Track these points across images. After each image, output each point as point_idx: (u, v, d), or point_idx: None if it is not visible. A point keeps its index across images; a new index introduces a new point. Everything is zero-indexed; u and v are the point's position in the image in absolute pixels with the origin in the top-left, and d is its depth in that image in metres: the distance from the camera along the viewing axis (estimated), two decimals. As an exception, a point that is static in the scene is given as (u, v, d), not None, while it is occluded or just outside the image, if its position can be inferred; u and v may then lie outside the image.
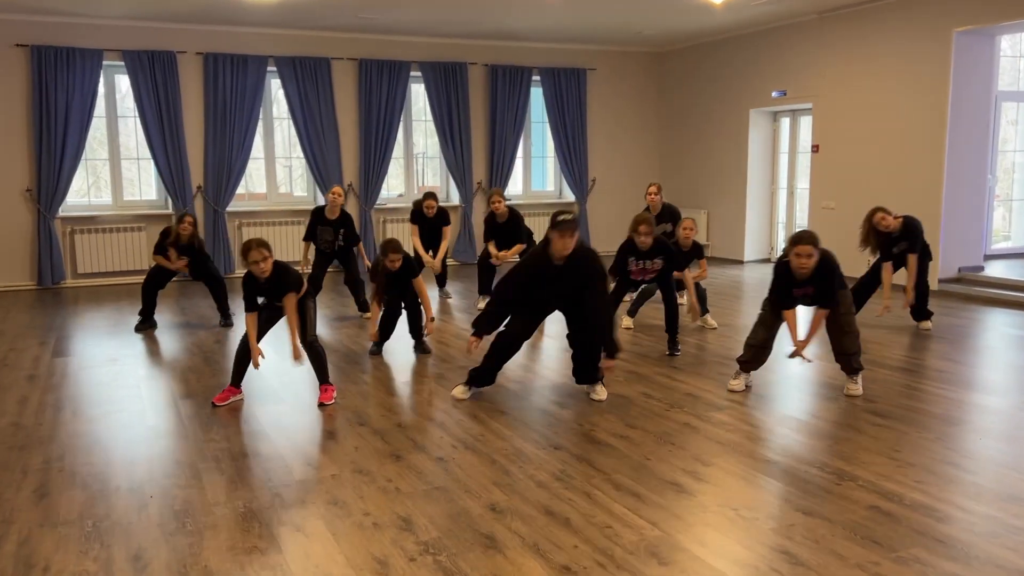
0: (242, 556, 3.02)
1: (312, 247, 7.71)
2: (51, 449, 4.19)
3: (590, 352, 4.92)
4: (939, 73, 8.61)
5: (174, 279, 7.65)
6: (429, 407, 4.88)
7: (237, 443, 4.24)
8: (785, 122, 11.31)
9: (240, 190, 10.65)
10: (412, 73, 11.22)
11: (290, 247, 10.32)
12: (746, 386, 5.10)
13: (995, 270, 9.20)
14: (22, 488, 3.69)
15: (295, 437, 4.33)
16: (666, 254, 6.08)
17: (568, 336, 5.05)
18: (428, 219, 8.18)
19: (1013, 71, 10.62)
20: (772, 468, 3.84)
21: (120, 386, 5.41)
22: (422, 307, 5.99)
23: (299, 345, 4.81)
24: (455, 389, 5.05)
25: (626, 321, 7.04)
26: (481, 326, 4.86)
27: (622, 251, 6.11)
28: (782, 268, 4.89)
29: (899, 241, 6.64)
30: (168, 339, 6.84)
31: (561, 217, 4.61)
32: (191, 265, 7.28)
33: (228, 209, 10.47)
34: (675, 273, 6.21)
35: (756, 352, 5.06)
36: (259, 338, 4.90)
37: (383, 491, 3.60)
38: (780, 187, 11.46)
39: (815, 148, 10.24)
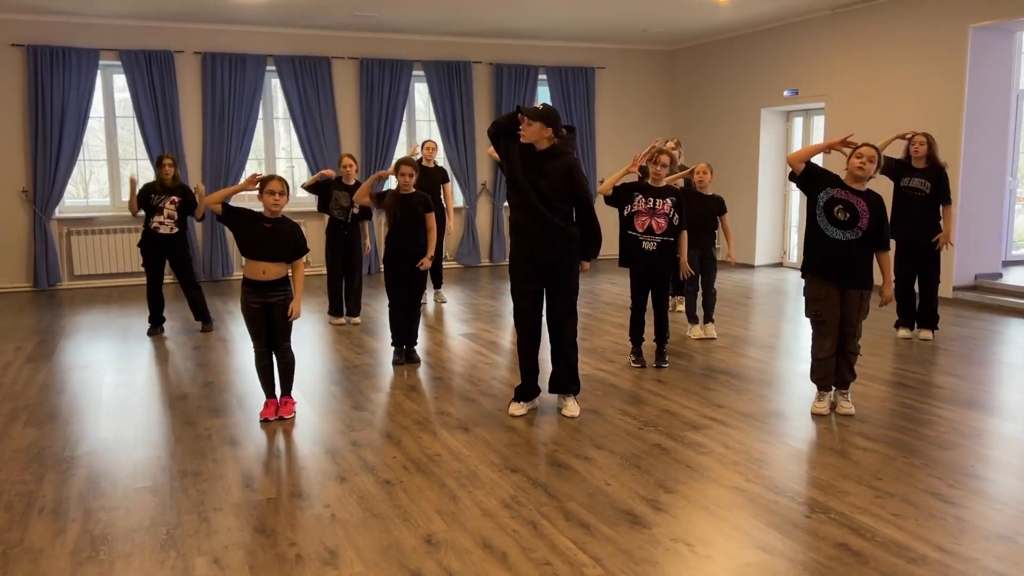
0: (147, 591, 2.82)
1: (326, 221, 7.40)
2: (-10, 464, 4.04)
3: (564, 343, 4.60)
4: (955, 70, 8.22)
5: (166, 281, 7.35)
6: (391, 423, 4.66)
7: (180, 460, 4.06)
8: (798, 122, 10.94)
9: (239, 191, 10.50)
10: (415, 72, 11.02)
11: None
12: (831, 406, 4.70)
13: (1015, 277, 8.77)
14: (-53, 507, 3.53)
15: (242, 454, 4.13)
16: (676, 196, 5.52)
17: (547, 320, 4.65)
18: (426, 173, 7.44)
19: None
20: (739, 497, 3.57)
21: (83, 395, 5.26)
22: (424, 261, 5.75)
23: (297, 308, 4.55)
24: (510, 406, 4.79)
25: (695, 331, 6.58)
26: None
27: (627, 186, 5.46)
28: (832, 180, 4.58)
29: None
30: (147, 345, 6.70)
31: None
32: (171, 247, 6.88)
33: (226, 210, 10.32)
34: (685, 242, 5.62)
35: (828, 364, 4.64)
36: (271, 343, 4.63)
37: (317, 519, 3.39)
38: (793, 189, 11.09)
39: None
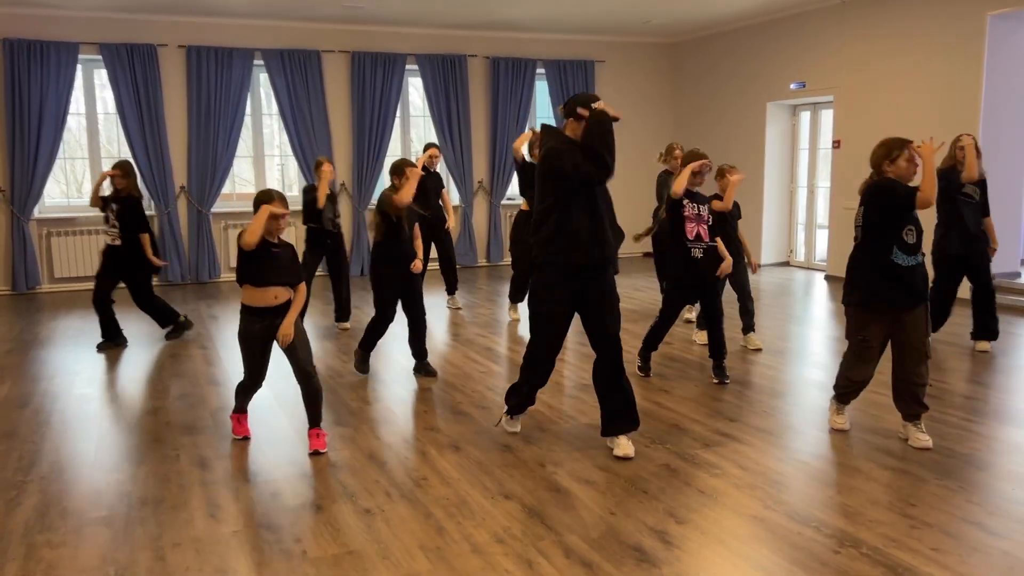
0: (83, 649, 2.46)
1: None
2: (-68, 491, 3.67)
3: (616, 375, 3.94)
4: (972, 61, 7.84)
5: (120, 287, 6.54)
6: (375, 441, 4.29)
7: (142, 485, 3.69)
8: (805, 116, 10.56)
9: (226, 190, 10.15)
10: (408, 66, 10.65)
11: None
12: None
13: (1034, 277, 8.40)
14: None
15: (211, 478, 3.77)
16: (709, 205, 5.26)
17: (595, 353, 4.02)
18: (427, 178, 6.95)
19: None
20: (758, 528, 3.20)
21: (45, 409, 4.89)
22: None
23: (289, 333, 3.93)
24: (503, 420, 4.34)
25: (753, 341, 6.06)
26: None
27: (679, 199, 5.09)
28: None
29: None
30: (120, 354, 6.33)
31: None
32: (118, 261, 6.30)
33: (213, 210, 9.96)
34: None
35: (863, 388, 4.23)
36: (262, 376, 4.18)
37: (285, 555, 3.02)
38: (800, 185, 10.72)
39: (836, 144, 9.50)
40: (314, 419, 4.09)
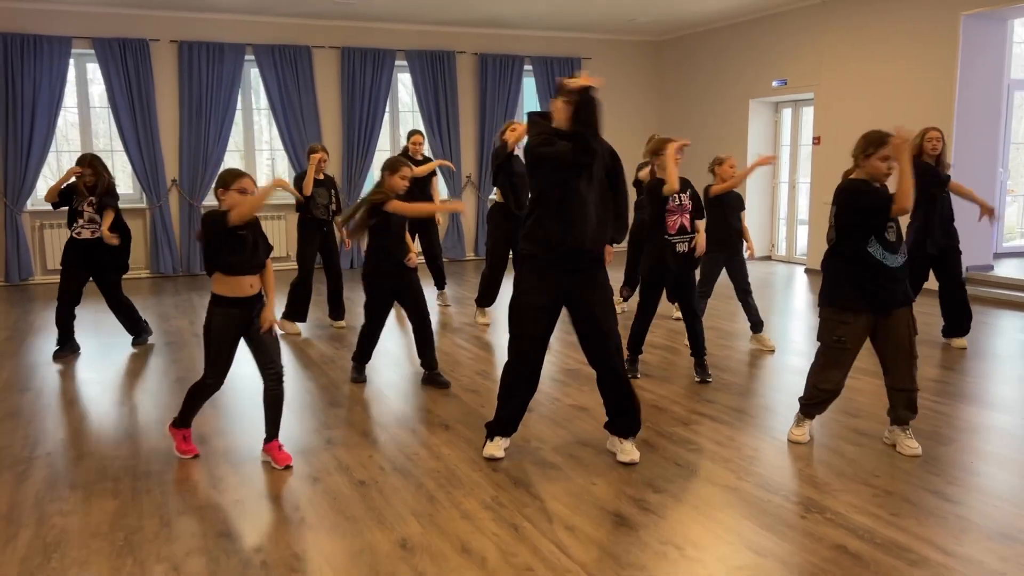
0: (99, 602, 2.63)
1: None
2: (-58, 466, 3.83)
3: (618, 372, 3.72)
4: (946, 59, 8.09)
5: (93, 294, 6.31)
6: (368, 420, 4.47)
7: (145, 460, 3.86)
8: (786, 113, 10.80)
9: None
10: (398, 62, 10.81)
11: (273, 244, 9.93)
12: (810, 435, 4.06)
13: (1006, 269, 8.67)
14: None
15: (211, 453, 3.93)
16: (692, 188, 5.09)
17: (587, 354, 3.79)
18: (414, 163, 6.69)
19: (1028, 58, 10.05)
20: (731, 496, 3.41)
21: (46, 392, 5.04)
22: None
23: (270, 317, 3.70)
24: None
25: (765, 342, 5.86)
26: None
27: (654, 188, 4.95)
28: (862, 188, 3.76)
29: None
30: (116, 341, 6.48)
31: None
32: (94, 256, 5.90)
33: (204, 203, 10.10)
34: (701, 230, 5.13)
35: (832, 398, 3.97)
36: (226, 371, 3.76)
37: (286, 522, 3.20)
38: (781, 181, 10.96)
39: (816, 140, 9.74)
40: (272, 429, 3.78)
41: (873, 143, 3.72)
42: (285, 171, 10.81)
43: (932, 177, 5.65)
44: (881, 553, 2.90)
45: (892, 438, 3.96)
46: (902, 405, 3.87)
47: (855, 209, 3.74)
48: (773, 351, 5.87)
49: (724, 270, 5.80)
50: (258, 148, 10.74)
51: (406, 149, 7.59)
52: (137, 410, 4.67)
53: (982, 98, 8.20)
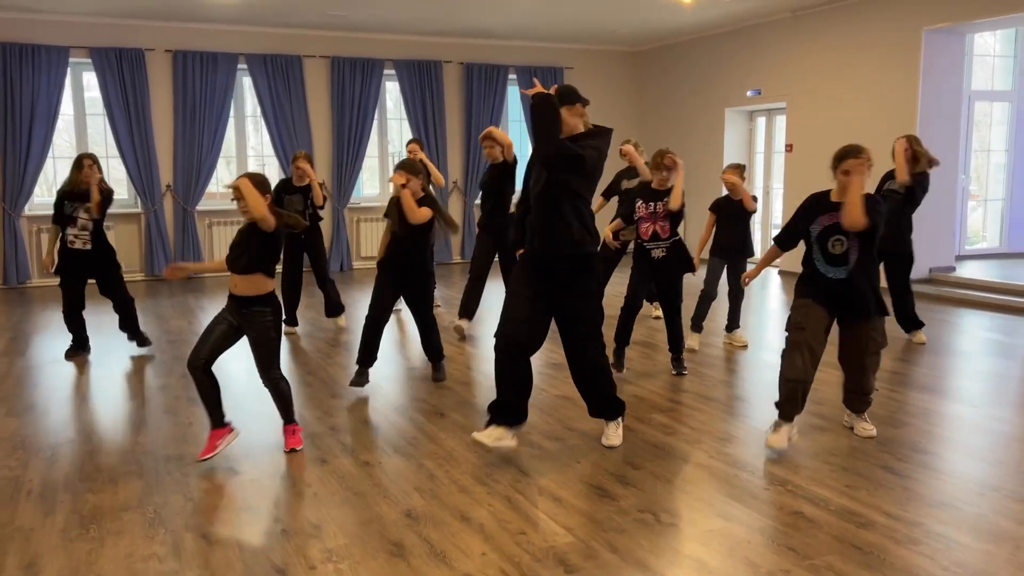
0: (138, 564, 2.94)
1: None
2: (-27, 452, 4.11)
3: (587, 357, 3.93)
4: (909, 72, 8.54)
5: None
6: (368, 409, 4.80)
7: (164, 446, 4.16)
8: (761, 121, 11.24)
9: (211, 188, 10.56)
10: (386, 71, 11.14)
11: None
12: (789, 439, 4.00)
13: (968, 271, 9.13)
14: (-66, 492, 3.61)
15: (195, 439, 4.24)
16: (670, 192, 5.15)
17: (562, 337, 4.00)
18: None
19: (987, 70, 10.55)
20: (702, 472, 3.77)
21: (59, 387, 5.33)
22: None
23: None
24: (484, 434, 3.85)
25: (691, 340, 5.98)
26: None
27: (629, 192, 5.16)
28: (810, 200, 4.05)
29: None
30: (121, 340, 6.75)
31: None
32: (88, 266, 5.92)
33: (198, 208, 10.37)
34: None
35: (798, 390, 3.95)
36: (211, 360, 3.89)
37: (300, 497, 3.53)
38: (756, 187, 11.37)
39: (789, 148, 10.17)
40: (285, 417, 4.05)
41: (836, 157, 3.95)
42: (276, 178, 11.09)
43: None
44: (835, 518, 3.26)
45: (850, 421, 4.29)
46: (853, 402, 4.20)
47: (798, 213, 4.09)
48: (745, 347, 6.22)
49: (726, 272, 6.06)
50: (250, 155, 11.02)
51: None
52: (150, 402, 4.96)
53: (944, 108, 8.65)
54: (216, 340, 3.89)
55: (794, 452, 3.99)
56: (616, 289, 7.65)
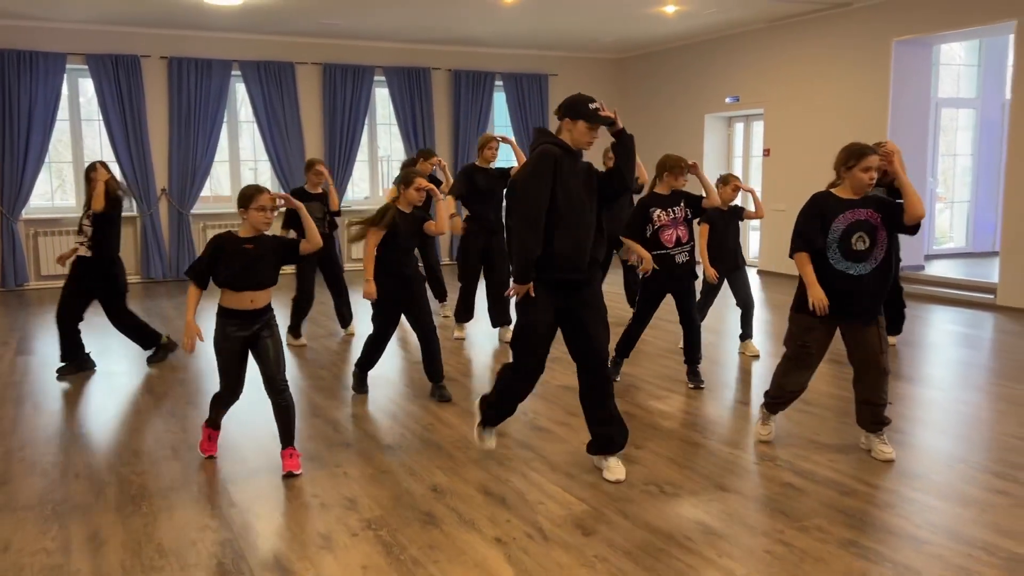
0: (194, 533, 3.22)
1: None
2: (12, 440, 4.35)
3: (605, 380, 3.73)
4: (880, 80, 8.99)
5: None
6: (383, 400, 5.09)
7: (194, 434, 4.42)
8: (739, 127, 11.66)
9: (205, 192, 10.78)
10: (376, 77, 11.42)
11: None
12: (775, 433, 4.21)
13: (936, 269, 9.60)
14: (-16, 476, 3.85)
15: (249, 428, 4.51)
16: (683, 195, 5.09)
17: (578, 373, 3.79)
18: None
19: (953, 79, 11.06)
20: (698, 451, 4.11)
21: (79, 382, 5.56)
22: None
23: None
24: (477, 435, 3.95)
25: (751, 348, 6.06)
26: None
27: (642, 204, 5.05)
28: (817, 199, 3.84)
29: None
30: (126, 340, 6.97)
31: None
32: (87, 275, 5.72)
33: (193, 211, 10.59)
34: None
35: (791, 399, 4.13)
36: (242, 390, 3.92)
37: (332, 475, 3.82)
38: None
39: (766, 152, 10.59)
40: (286, 438, 3.82)
41: (854, 155, 3.72)
42: (268, 181, 11.33)
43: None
44: (820, 487, 3.62)
45: (868, 444, 4.03)
46: (868, 417, 3.97)
47: (810, 216, 3.83)
48: (757, 357, 6.07)
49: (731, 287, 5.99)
50: (243, 159, 11.25)
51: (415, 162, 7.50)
52: (167, 396, 5.21)
53: (912, 115, 9.11)
54: (241, 369, 3.86)
55: (781, 432, 4.35)
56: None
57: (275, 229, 5.33)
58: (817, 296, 3.77)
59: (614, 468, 3.74)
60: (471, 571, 2.90)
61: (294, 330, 6.65)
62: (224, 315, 3.78)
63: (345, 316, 7.00)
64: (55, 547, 3.12)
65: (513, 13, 9.46)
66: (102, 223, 5.62)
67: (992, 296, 8.19)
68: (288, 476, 3.77)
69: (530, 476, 3.77)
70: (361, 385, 5.19)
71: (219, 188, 11.29)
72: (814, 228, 3.80)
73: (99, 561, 3.01)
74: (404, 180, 4.92)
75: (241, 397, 3.98)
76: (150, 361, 6.01)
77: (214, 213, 10.82)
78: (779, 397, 4.13)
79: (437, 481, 3.73)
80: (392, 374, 5.69)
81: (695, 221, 5.29)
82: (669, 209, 5.06)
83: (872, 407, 3.93)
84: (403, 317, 5.00)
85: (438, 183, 7.19)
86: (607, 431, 3.74)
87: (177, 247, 10.48)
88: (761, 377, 5.50)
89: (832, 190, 3.87)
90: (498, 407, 3.85)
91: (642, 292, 5.26)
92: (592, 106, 3.72)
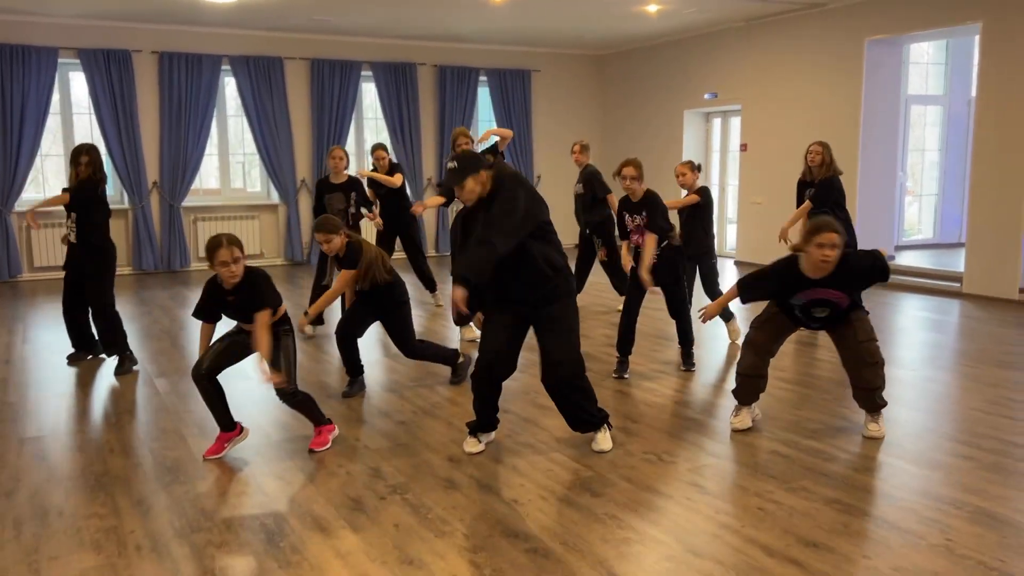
0: (233, 499, 3.49)
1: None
2: (38, 422, 4.56)
3: (565, 385, 3.88)
4: (853, 77, 9.38)
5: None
6: (390, 381, 5.36)
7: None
8: (717, 122, 12.03)
9: (195, 185, 10.94)
10: (363, 73, 11.63)
11: (246, 242, 10.61)
12: (753, 420, 4.36)
13: (905, 259, 10.04)
14: (22, 454, 4.07)
15: (266, 408, 4.76)
16: (643, 204, 5.27)
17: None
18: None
19: (922, 76, 11.52)
20: (690, 423, 4.44)
21: (93, 367, 5.76)
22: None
23: (267, 370, 3.73)
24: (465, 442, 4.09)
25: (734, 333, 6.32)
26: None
27: (621, 205, 5.37)
28: (784, 266, 4.06)
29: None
30: (131, 327, 7.17)
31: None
32: (75, 261, 5.64)
33: (183, 204, 10.74)
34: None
35: (750, 383, 4.29)
36: (219, 371, 3.97)
37: (353, 448, 4.09)
38: (712, 184, 12.16)
39: (743, 147, 10.97)
40: (313, 421, 4.08)
41: (809, 231, 3.89)
42: (258, 173, 11.52)
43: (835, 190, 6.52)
44: (804, 454, 3.96)
45: (865, 424, 4.28)
46: (863, 400, 4.20)
47: (770, 285, 4.19)
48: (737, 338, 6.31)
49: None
50: (232, 152, 11.42)
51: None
52: (182, 379, 5.44)
53: (883, 111, 9.52)
54: (225, 353, 3.96)
55: (765, 407, 4.69)
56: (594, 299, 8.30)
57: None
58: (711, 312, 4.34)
59: (601, 440, 4.03)
60: (494, 528, 3.19)
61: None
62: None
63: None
64: (106, 511, 3.36)
65: (500, 11, 9.73)
66: (77, 207, 5.47)
67: (958, 284, 8.63)
68: (311, 452, 4.02)
69: (537, 447, 4.07)
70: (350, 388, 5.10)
71: (208, 182, 11.44)
72: (766, 291, 4.21)
73: (149, 523, 3.26)
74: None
75: (255, 385, 4.21)
76: (117, 373, 5.58)
77: (204, 206, 10.99)
78: (736, 385, 4.32)
79: (453, 452, 4.01)
80: (394, 361, 5.95)
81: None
82: (634, 215, 5.34)
83: (866, 392, 4.16)
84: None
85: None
86: (579, 415, 3.97)
87: (168, 239, 10.64)
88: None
89: (800, 265, 3.97)
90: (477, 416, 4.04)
91: (628, 287, 5.52)
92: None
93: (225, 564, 2.93)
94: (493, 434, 4.16)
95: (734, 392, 4.39)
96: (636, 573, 2.85)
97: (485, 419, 4.03)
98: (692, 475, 3.72)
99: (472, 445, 4.03)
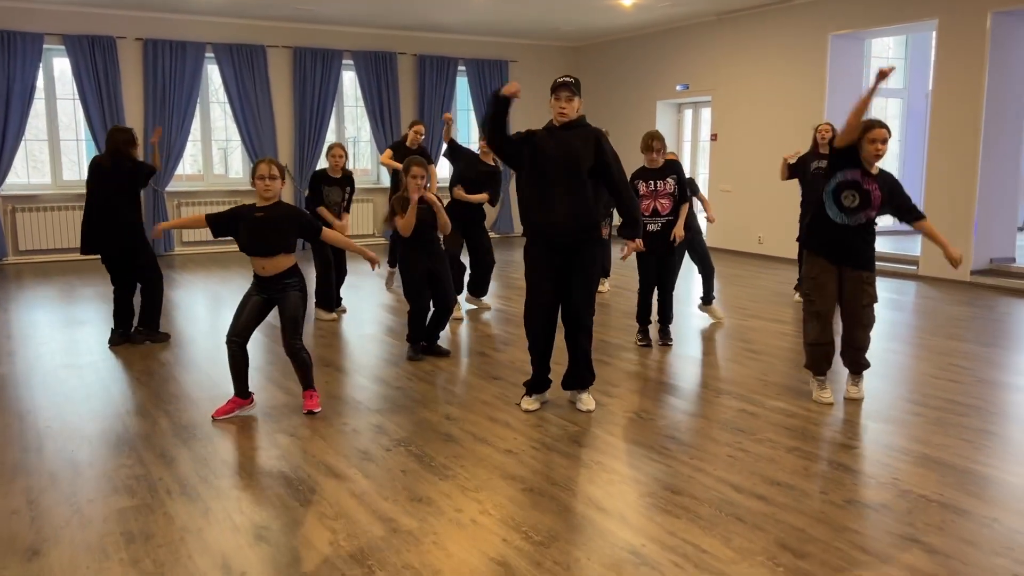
0: (250, 452, 3.79)
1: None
2: (50, 394, 4.81)
3: (580, 340, 4.32)
4: (818, 70, 9.82)
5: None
6: (383, 353, 5.67)
7: (224, 384, 4.94)
8: (688, 113, 12.44)
9: (178, 171, 11.10)
10: (344, 61, 11.85)
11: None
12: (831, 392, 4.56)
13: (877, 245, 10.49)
14: (38, 419, 4.32)
15: (268, 371, 5.05)
16: (678, 172, 5.61)
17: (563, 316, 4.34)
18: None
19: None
20: (667, 387, 4.81)
21: (96, 345, 6.00)
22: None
23: (373, 256, 4.26)
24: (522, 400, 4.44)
25: (715, 312, 6.61)
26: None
27: (632, 176, 5.51)
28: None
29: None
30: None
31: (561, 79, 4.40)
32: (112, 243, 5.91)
33: (168, 189, 10.91)
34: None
35: (819, 351, 4.51)
36: (250, 336, 4.24)
37: (354, 409, 4.40)
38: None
39: (714, 137, 11.38)
40: (304, 383, 4.30)
41: (863, 128, 4.29)
42: (239, 159, 11.71)
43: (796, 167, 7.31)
44: (769, 412, 4.35)
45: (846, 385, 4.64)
46: (848, 359, 4.53)
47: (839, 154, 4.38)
48: (721, 321, 6.61)
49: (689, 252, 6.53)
50: (215, 139, 11.59)
51: (405, 137, 7.93)
52: (187, 351, 5.70)
53: (847, 103, 9.92)
54: (249, 315, 4.19)
55: (729, 374, 5.08)
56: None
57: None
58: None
59: (586, 400, 4.39)
60: (493, 472, 3.53)
61: (325, 303, 6.72)
62: (254, 277, 4.26)
63: (330, 301, 6.83)
64: (132, 463, 3.65)
65: (480, 2, 10.03)
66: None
67: (915, 267, 9.12)
68: (309, 414, 4.29)
69: (538, 414, 4.41)
70: (415, 354, 5.43)
71: (190, 167, 11.60)
72: (839, 156, 4.34)
73: (175, 471, 3.55)
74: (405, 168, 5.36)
75: (256, 349, 4.51)
76: (111, 343, 5.88)
77: (188, 191, 11.16)
78: (808, 353, 4.55)
79: (448, 411, 4.34)
80: (387, 335, 6.26)
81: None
82: (652, 181, 5.62)
83: (852, 350, 4.49)
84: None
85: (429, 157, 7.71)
86: (569, 377, 4.41)
87: (152, 224, 10.79)
88: (722, 335, 6.24)
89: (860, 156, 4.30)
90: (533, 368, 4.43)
91: (638, 265, 5.83)
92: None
93: (251, 503, 3.24)
94: (547, 394, 4.49)
95: (807, 365, 4.57)
96: (621, 507, 3.21)
97: (541, 376, 4.39)
98: (669, 430, 4.09)
99: (529, 403, 4.37)
